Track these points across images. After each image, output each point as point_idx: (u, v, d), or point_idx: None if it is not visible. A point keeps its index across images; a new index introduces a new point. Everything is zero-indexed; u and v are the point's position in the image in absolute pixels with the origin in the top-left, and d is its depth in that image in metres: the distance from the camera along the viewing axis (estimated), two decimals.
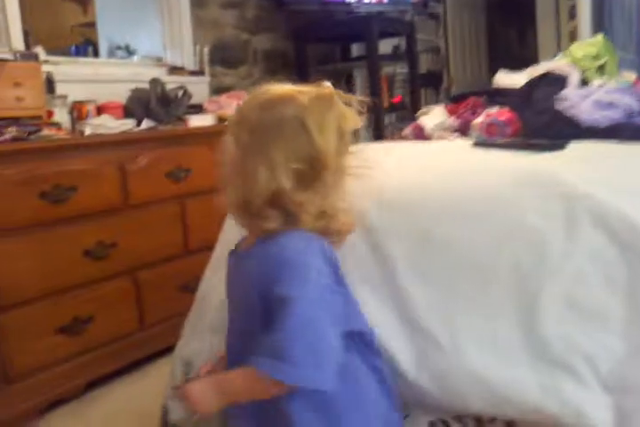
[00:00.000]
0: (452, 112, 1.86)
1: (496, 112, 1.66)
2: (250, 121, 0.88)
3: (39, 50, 2.31)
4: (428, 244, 1.00)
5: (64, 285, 1.80)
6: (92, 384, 1.92)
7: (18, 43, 2.29)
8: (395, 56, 3.51)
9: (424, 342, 0.96)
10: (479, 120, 1.65)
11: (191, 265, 2.27)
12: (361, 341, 0.89)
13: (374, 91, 3.17)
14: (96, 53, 3.05)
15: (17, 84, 2.05)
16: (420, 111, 1.99)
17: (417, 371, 0.95)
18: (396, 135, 2.08)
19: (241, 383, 0.81)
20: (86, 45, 3.12)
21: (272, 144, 0.84)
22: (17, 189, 1.71)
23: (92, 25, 3.24)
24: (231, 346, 0.94)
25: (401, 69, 4.00)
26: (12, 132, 1.86)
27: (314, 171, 0.84)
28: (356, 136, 0.93)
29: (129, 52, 3.02)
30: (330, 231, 0.87)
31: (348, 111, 0.87)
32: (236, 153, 0.88)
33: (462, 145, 1.39)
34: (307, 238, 0.84)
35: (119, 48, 3.06)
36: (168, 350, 1.82)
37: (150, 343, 2.06)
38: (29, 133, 1.89)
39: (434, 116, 1.85)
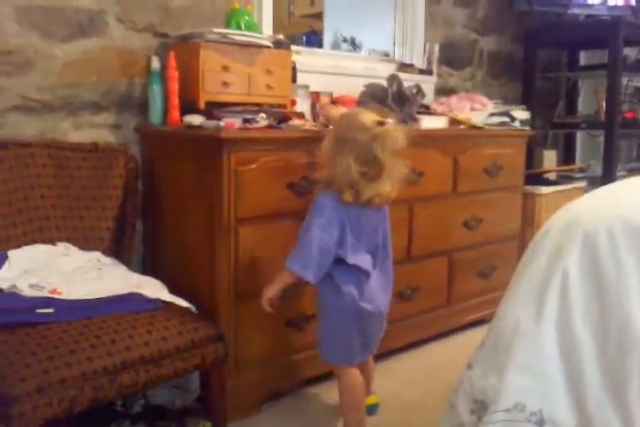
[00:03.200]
0: None
1: None
2: (339, 132, 1.50)
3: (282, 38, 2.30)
4: None
5: None
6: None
7: (267, 29, 2.31)
8: (638, 67, 3.15)
9: None
10: None
11: (411, 273, 2.17)
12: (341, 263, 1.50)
13: (611, 104, 2.86)
14: (320, 45, 3.04)
15: (268, 72, 2.05)
16: None
17: None
18: None
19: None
20: (309, 36, 3.12)
21: (348, 152, 1.44)
22: (268, 177, 1.70)
23: (316, 16, 3.24)
24: None
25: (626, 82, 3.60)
26: (262, 119, 1.85)
27: (374, 171, 1.45)
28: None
29: (354, 45, 2.97)
30: (376, 198, 1.48)
31: (399, 138, 1.45)
32: (328, 147, 1.49)
33: None
34: (331, 196, 1.48)
35: (344, 40, 3.02)
36: None
37: None
38: (279, 122, 1.88)
39: None
